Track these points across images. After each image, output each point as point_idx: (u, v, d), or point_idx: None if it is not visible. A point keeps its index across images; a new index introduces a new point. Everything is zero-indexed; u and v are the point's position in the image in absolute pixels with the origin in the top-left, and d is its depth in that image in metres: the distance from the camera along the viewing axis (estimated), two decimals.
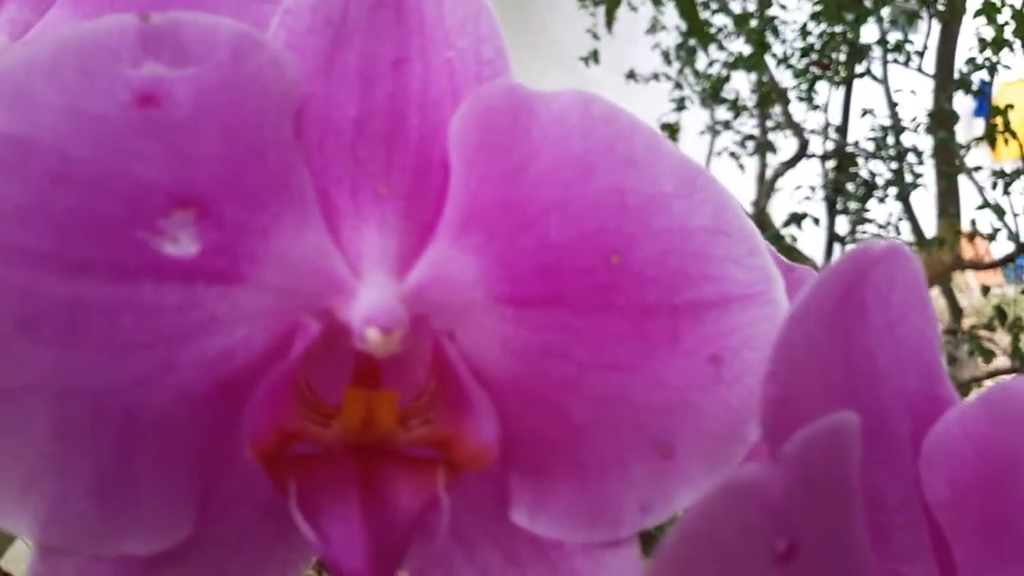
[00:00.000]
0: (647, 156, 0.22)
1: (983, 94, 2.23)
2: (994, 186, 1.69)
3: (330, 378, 0.22)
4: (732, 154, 2.10)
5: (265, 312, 0.20)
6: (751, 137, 2.20)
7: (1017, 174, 1.63)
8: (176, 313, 0.20)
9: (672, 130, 1.97)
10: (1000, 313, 1.68)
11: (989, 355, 1.69)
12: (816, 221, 1.96)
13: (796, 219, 1.90)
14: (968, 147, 1.91)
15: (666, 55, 2.40)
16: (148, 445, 0.19)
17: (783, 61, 2.11)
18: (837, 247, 2.23)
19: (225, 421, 0.20)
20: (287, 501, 0.20)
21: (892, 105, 2.18)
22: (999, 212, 1.66)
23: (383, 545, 0.19)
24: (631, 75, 2.54)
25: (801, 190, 2.07)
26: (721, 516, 0.15)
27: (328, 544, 0.19)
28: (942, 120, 1.84)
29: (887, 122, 2.15)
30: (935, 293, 2.23)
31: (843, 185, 2.21)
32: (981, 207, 1.71)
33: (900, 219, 2.17)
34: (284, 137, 0.21)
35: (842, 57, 2.07)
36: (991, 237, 1.74)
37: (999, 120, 1.72)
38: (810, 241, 2.19)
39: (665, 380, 0.22)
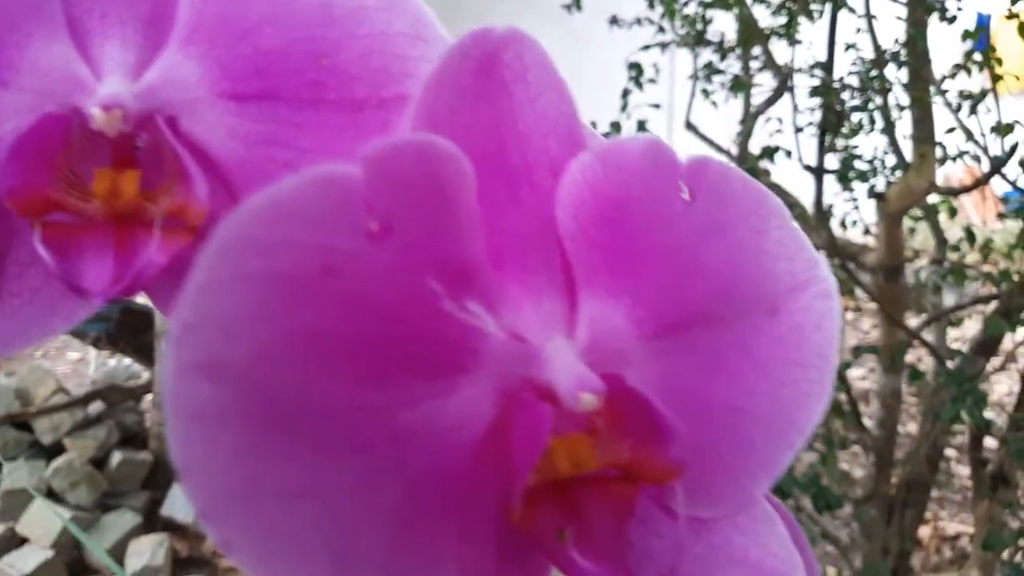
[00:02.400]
0: None
1: (981, 28, 2.21)
2: (958, 108, 1.69)
3: (90, 168, 0.27)
4: (704, 91, 2.12)
5: (24, 108, 0.26)
6: (736, 79, 2.21)
7: (983, 95, 1.63)
8: None
9: (639, 70, 1.99)
10: (969, 235, 1.70)
11: (961, 277, 1.71)
12: (788, 154, 1.98)
13: (768, 153, 1.92)
14: (953, 76, 1.91)
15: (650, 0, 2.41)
16: None
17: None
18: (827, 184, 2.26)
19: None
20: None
21: (874, 38, 2.17)
22: (968, 134, 1.67)
23: (133, 281, 0.25)
24: (614, 20, 2.54)
25: (771, 123, 2.08)
26: (307, 194, 0.20)
27: (65, 268, 0.24)
28: (913, 47, 1.85)
29: (871, 55, 2.15)
30: (922, 225, 2.24)
31: (830, 122, 2.22)
32: (949, 131, 1.72)
33: (886, 152, 2.19)
34: None
35: None
36: (953, 159, 1.75)
37: (979, 47, 1.72)
38: (794, 178, 2.21)
39: None
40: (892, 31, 2.14)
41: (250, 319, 0.19)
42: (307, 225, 0.20)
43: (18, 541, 2.36)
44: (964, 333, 2.66)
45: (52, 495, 2.44)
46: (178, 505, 2.55)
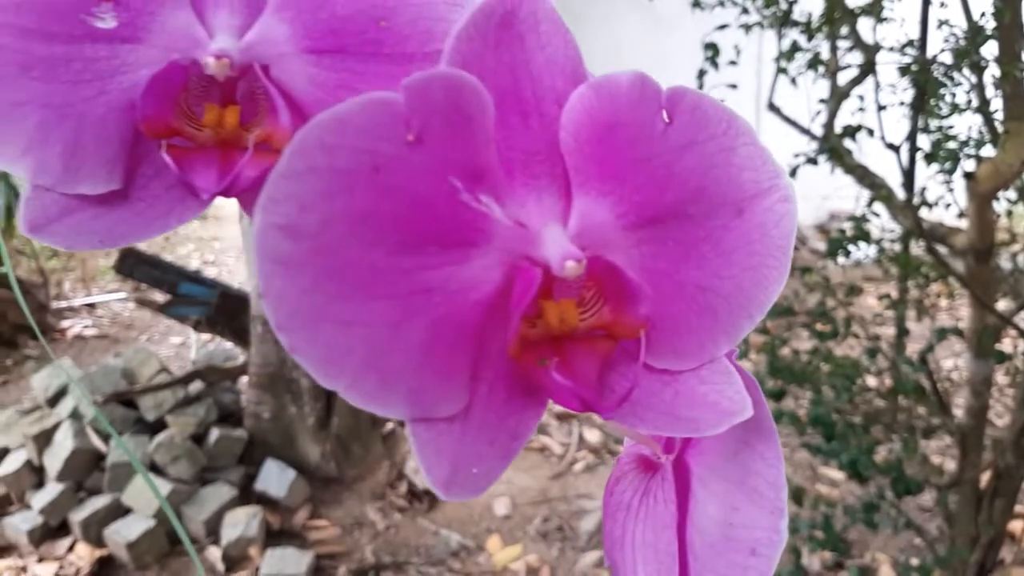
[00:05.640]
0: None
1: None
2: None
3: (200, 94, 0.36)
4: (782, 70, 2.11)
5: (155, 60, 0.34)
6: (815, 56, 2.19)
7: None
8: (105, 61, 0.33)
9: (715, 50, 2.01)
10: None
11: None
12: (871, 132, 1.96)
13: (851, 132, 1.91)
14: None
15: None
16: (91, 134, 0.34)
17: None
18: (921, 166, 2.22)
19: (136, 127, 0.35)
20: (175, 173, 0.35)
21: (968, 12, 2.12)
22: None
23: (231, 185, 0.34)
24: (696, 3, 2.55)
25: (856, 102, 2.06)
26: (361, 113, 0.27)
27: (184, 175, 0.33)
28: (1001, 20, 1.81)
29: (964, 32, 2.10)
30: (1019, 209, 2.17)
31: (925, 102, 2.19)
32: None
33: (981, 132, 2.14)
34: None
35: None
36: None
37: None
38: (882, 159, 2.18)
39: None
40: (986, 4, 2.09)
41: (318, 198, 0.26)
42: (359, 134, 0.27)
43: (123, 511, 2.54)
44: None
45: (155, 469, 2.61)
46: (271, 480, 2.67)
